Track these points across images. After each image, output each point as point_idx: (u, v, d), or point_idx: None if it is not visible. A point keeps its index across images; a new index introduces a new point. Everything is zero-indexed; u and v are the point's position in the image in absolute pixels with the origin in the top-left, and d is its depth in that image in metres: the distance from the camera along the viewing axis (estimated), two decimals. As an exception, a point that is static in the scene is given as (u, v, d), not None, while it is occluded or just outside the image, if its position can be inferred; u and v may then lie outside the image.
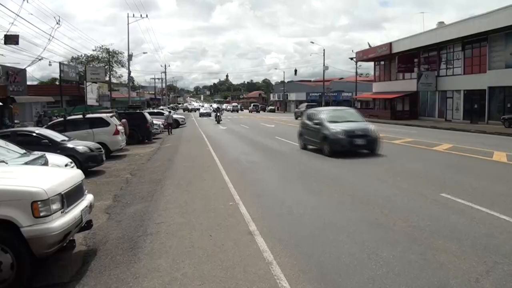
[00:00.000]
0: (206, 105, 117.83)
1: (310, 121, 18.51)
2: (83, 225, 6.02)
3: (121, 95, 71.66)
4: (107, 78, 61.83)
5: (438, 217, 7.61)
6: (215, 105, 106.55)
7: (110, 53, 72.28)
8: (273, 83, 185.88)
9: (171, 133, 33.38)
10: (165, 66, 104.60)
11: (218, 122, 45.68)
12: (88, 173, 11.91)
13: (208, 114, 69.76)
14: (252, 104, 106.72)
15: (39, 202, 4.95)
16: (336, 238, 6.56)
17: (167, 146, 23.22)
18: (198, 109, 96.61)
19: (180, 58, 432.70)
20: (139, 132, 25.32)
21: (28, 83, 44.17)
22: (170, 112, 41.22)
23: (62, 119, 19.22)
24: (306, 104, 58.83)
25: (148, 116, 26.80)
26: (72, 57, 69.66)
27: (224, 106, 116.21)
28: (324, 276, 5.17)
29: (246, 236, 6.83)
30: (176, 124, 40.28)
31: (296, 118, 51.54)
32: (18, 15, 37.85)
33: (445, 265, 5.39)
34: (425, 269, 5.27)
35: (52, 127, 17.26)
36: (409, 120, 43.79)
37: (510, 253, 5.74)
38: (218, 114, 48.60)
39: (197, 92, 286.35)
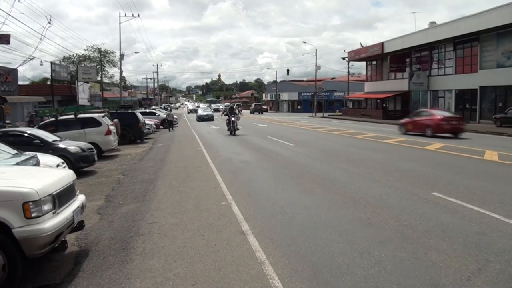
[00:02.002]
0: (202, 105, 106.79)
1: None
2: (75, 225, 5.99)
3: (113, 95, 71.45)
4: (98, 78, 61.61)
5: (429, 216, 7.65)
6: (210, 105, 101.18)
7: (102, 53, 72.04)
8: (265, 82, 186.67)
9: (172, 129, 36.21)
10: (157, 65, 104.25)
11: (234, 133, 27.57)
12: (80, 174, 11.87)
13: (209, 118, 51.35)
14: (235, 104, 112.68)
15: (30, 203, 4.93)
16: (329, 237, 6.58)
17: (159, 146, 23.15)
18: (196, 111, 75.82)
19: (172, 57, 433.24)
20: (131, 132, 25.25)
21: (20, 83, 44.00)
22: (171, 110, 52.51)
23: (53, 119, 19.14)
24: (254, 104, 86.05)
25: (140, 116, 26.73)
26: (64, 56, 69.39)
27: (217, 105, 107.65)
28: (317, 276, 5.18)
29: (238, 236, 6.83)
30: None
31: (251, 113, 76.91)
32: (9, 14, 37.56)
33: (437, 264, 5.42)
34: (417, 268, 5.30)
35: (43, 127, 17.17)
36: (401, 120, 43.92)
37: (502, 251, 5.78)
38: (233, 119, 27.83)
39: (189, 92, 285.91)
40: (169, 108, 64.92)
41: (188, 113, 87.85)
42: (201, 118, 51.67)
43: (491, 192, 9.44)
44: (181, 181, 11.92)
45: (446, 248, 5.95)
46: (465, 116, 38.15)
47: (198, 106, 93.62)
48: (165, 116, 40.67)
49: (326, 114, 64.11)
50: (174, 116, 43.57)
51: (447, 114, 27.21)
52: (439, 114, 26.47)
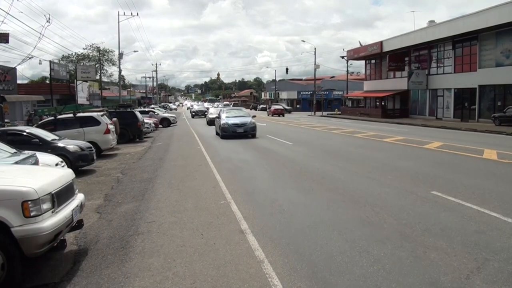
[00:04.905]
0: (206, 104, 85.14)
1: None
2: (74, 224, 5.99)
3: (112, 94, 71.36)
4: (97, 77, 61.53)
5: (428, 214, 7.66)
6: (215, 104, 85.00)
7: (101, 52, 71.92)
8: (264, 81, 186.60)
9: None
10: (156, 64, 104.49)
11: None
12: (79, 172, 11.86)
13: (247, 131, 24.86)
14: (224, 103, 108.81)
15: (29, 202, 4.92)
16: (327, 236, 6.58)
17: (158, 145, 23.13)
18: (202, 112, 58.35)
19: (171, 56, 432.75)
20: (130, 131, 25.23)
21: (19, 81, 44.05)
22: (154, 111, 45.24)
23: (52, 118, 19.12)
24: (225, 103, 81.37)
25: (139, 115, 26.70)
26: (63, 55, 69.42)
27: (216, 104, 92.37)
28: (316, 274, 5.18)
29: (237, 234, 6.83)
30: (167, 123, 40.36)
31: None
32: (8, 13, 37.47)
33: (436, 262, 5.42)
34: (416, 266, 5.30)
35: (42, 126, 17.14)
36: (400, 119, 44.02)
37: (501, 250, 5.79)
38: None
39: (188, 91, 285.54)
40: (163, 108, 63.31)
41: (193, 117, 60.07)
42: (230, 133, 24.61)
43: (490, 190, 9.45)
44: (180, 180, 11.92)
45: (445, 247, 5.95)
46: (464, 114, 38.31)
47: (204, 106, 68.46)
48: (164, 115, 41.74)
49: (325, 113, 64.16)
50: (169, 116, 43.58)
51: (278, 106, 66.01)
52: (274, 106, 66.30)
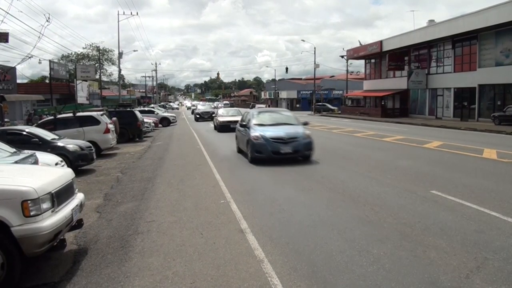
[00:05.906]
0: (210, 103, 78.55)
1: None
2: (73, 224, 5.98)
3: (112, 93, 71.33)
4: (97, 76, 61.47)
5: (428, 214, 7.66)
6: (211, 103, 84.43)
7: (101, 51, 71.84)
8: (264, 81, 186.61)
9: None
10: (156, 64, 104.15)
11: None
12: (78, 172, 11.85)
13: (287, 149, 13.96)
14: (224, 103, 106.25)
15: (29, 201, 4.91)
16: (327, 235, 6.58)
17: (158, 144, 23.13)
18: (209, 114, 46.09)
19: (171, 56, 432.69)
20: (130, 131, 25.22)
21: (18, 81, 44.03)
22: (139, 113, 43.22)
23: (52, 117, 19.13)
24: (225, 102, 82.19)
25: (139, 114, 26.71)
26: (62, 55, 69.37)
27: (215, 104, 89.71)
28: (315, 274, 5.18)
29: (237, 234, 6.83)
30: (167, 122, 40.46)
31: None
32: (7, 13, 37.50)
33: (436, 262, 5.42)
34: (416, 266, 5.30)
35: (42, 126, 17.14)
36: (400, 118, 44.03)
37: (500, 249, 5.79)
38: None
39: (188, 90, 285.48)
40: (163, 107, 62.53)
41: (197, 119, 47.33)
42: (269, 153, 14.06)
43: (490, 190, 9.45)
44: (179, 179, 11.91)
45: (445, 246, 5.95)
46: (464, 114, 38.32)
47: (211, 107, 56.80)
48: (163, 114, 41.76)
49: (324, 112, 64.17)
50: (169, 115, 43.58)
51: (261, 105, 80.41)
52: (258, 106, 73.22)
